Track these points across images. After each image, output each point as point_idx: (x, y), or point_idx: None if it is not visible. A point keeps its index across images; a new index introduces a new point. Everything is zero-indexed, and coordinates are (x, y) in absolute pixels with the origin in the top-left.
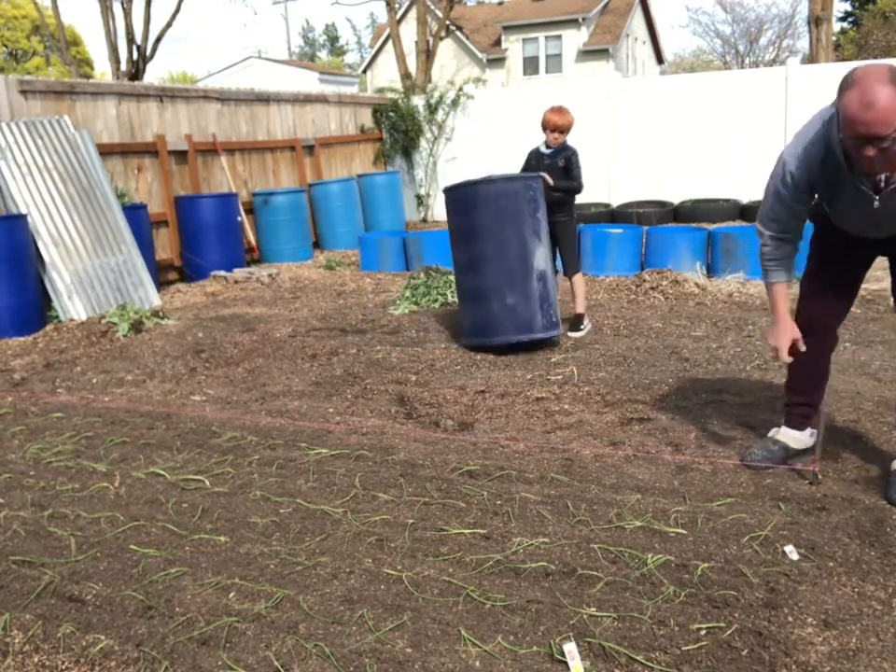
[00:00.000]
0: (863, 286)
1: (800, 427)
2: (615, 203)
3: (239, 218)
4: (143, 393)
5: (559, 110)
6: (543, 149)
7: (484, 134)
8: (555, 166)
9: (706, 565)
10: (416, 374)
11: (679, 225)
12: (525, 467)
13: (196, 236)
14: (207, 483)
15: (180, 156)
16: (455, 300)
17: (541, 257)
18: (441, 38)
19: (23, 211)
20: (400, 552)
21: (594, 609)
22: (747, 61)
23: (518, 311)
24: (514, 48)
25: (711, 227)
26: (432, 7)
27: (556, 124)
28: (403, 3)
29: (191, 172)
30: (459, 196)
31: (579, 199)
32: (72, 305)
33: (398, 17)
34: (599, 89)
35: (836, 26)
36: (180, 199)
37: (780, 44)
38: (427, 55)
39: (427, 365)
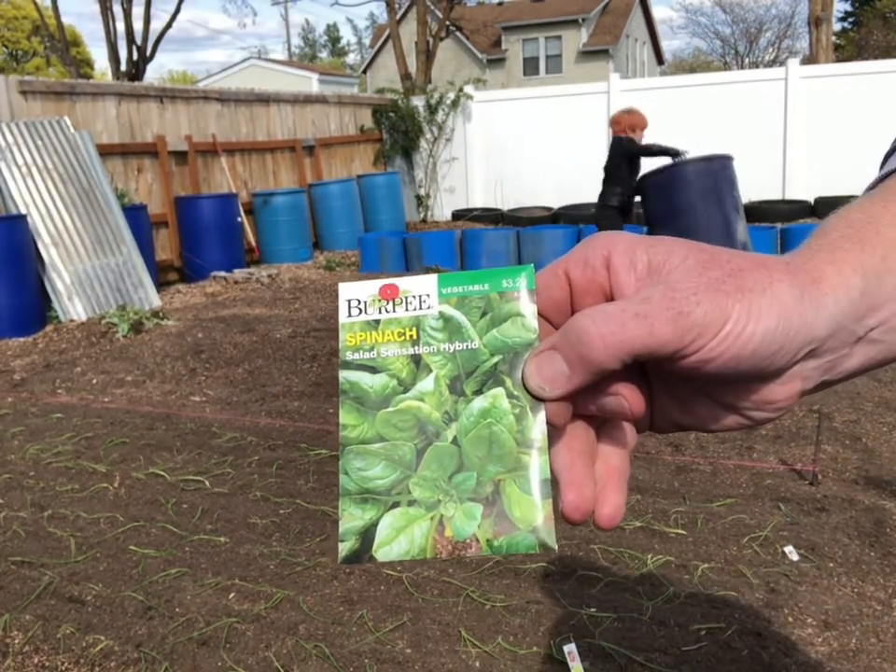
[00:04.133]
0: None
1: None
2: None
3: (239, 219)
4: (143, 394)
5: (642, 113)
6: None
7: (484, 135)
8: None
9: (705, 565)
10: None
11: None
12: None
13: (196, 237)
14: (207, 483)
15: (180, 156)
16: None
17: (743, 230)
18: (441, 39)
19: (23, 211)
20: None
21: (594, 610)
22: (746, 61)
23: None
24: (514, 48)
25: None
26: (432, 7)
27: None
28: (403, 3)
29: (191, 172)
30: (659, 180)
31: (578, 199)
32: (72, 306)
33: (398, 17)
34: (599, 89)
35: (836, 26)
36: (180, 199)
37: (780, 44)
38: (427, 56)
39: None
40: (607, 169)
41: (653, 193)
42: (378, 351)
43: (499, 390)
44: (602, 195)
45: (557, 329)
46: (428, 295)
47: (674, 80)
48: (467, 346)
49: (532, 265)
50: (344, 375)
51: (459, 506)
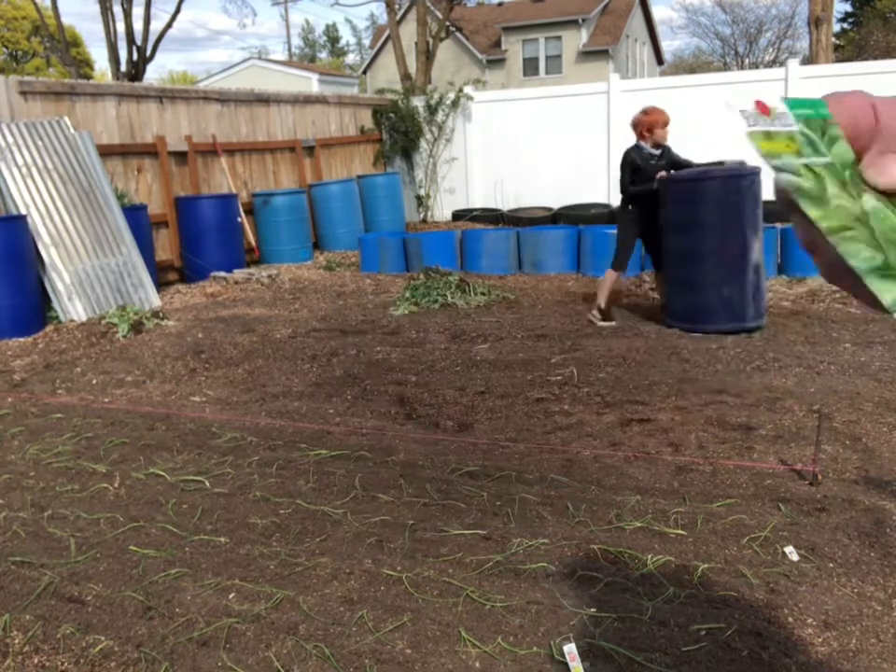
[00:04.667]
0: None
1: None
2: (615, 203)
3: (239, 219)
4: (143, 394)
5: (661, 109)
6: (652, 150)
7: (485, 135)
8: (666, 165)
9: (705, 565)
10: (416, 375)
11: None
12: (524, 467)
13: (196, 237)
14: (207, 483)
15: (180, 157)
16: (455, 301)
17: (758, 250)
18: (441, 39)
19: (23, 212)
20: (400, 552)
21: (594, 610)
22: (746, 61)
23: (733, 302)
24: (514, 49)
25: None
26: (432, 7)
27: (669, 119)
28: (403, 4)
29: (191, 173)
30: (683, 188)
31: (579, 200)
32: (72, 306)
33: (397, 18)
34: (599, 89)
35: (836, 27)
36: (180, 200)
37: (780, 45)
38: (427, 56)
39: (427, 366)
40: (620, 181)
41: (674, 198)
42: (785, 157)
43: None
44: (620, 204)
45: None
46: (786, 114)
47: (674, 80)
48: (827, 160)
49: (821, 99)
50: (784, 178)
51: None
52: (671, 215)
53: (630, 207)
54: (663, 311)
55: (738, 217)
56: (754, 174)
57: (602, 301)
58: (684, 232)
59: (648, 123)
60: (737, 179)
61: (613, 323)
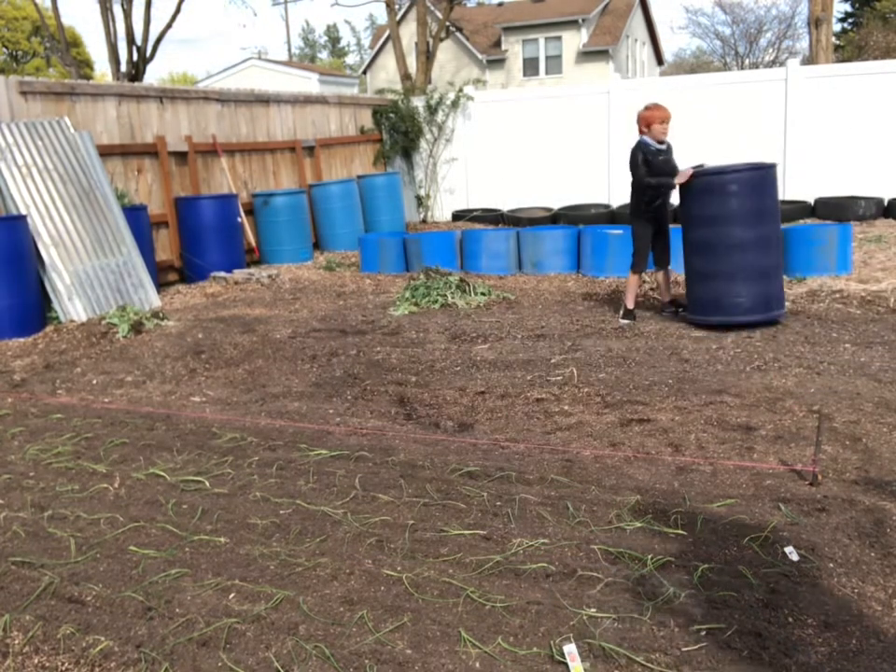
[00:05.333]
0: (863, 286)
1: None
2: (615, 203)
3: (239, 219)
4: (143, 394)
5: (662, 106)
6: (659, 146)
7: (484, 135)
8: (673, 161)
9: (706, 566)
10: (416, 375)
11: (679, 226)
12: (524, 468)
13: (196, 237)
14: (207, 484)
15: (180, 157)
16: (455, 301)
17: (780, 241)
18: (441, 39)
19: (23, 212)
20: (400, 553)
21: (594, 610)
22: (746, 62)
23: (758, 292)
24: (514, 49)
25: None
26: (432, 8)
27: (670, 116)
28: (403, 4)
29: (191, 173)
30: (705, 183)
31: (579, 200)
32: (72, 306)
33: (397, 18)
34: (600, 89)
35: (836, 27)
36: (180, 200)
37: (780, 45)
38: (427, 56)
39: (427, 366)
40: (635, 176)
41: (703, 191)
42: None
43: None
44: (630, 203)
45: None
46: None
47: (674, 80)
48: None
49: None
50: None
51: None
52: (696, 209)
53: (644, 206)
54: (663, 310)
55: (771, 209)
56: (773, 167)
57: (630, 303)
58: (714, 225)
59: (645, 119)
60: (763, 171)
61: (630, 322)
